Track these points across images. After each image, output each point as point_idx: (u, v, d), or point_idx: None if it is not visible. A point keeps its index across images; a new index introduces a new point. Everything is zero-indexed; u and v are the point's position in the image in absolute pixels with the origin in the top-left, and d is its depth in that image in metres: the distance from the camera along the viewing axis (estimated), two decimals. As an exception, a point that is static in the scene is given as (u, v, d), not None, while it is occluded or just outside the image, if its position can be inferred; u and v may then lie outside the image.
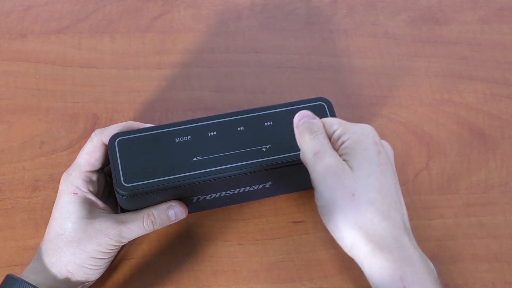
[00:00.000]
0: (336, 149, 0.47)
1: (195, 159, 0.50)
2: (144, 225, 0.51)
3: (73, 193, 0.51)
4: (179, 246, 0.58)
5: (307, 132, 0.47)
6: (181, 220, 0.53)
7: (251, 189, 0.55)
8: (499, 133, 0.64)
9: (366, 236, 0.43)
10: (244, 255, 0.57)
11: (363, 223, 0.43)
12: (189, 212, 0.54)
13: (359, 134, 0.46)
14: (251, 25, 0.70)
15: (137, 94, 0.65)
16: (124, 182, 0.49)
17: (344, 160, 0.45)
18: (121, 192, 0.49)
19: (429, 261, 0.44)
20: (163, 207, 0.52)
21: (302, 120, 0.48)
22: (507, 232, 0.59)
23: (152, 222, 0.51)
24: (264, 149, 0.51)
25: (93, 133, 0.52)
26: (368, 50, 0.69)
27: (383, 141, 0.48)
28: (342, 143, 0.46)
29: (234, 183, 0.53)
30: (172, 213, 0.52)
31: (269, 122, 0.52)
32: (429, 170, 0.62)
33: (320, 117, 0.50)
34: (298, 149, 0.51)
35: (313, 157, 0.45)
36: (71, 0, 0.71)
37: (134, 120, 0.62)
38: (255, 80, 0.67)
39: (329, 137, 0.48)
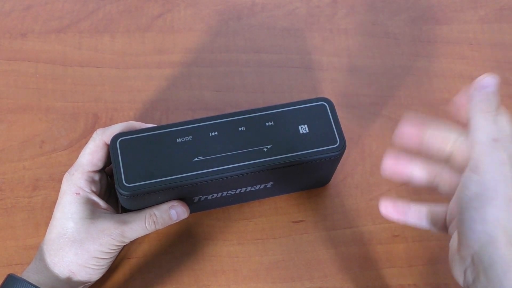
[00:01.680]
0: None
1: (196, 159, 0.50)
2: (146, 225, 0.51)
3: (76, 193, 0.51)
4: (179, 246, 0.58)
5: (490, 106, 0.42)
6: (181, 219, 0.54)
7: (252, 189, 0.55)
8: (499, 133, 0.64)
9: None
10: (244, 254, 0.58)
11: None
12: (191, 211, 0.54)
13: None
14: (251, 24, 0.70)
15: (137, 93, 0.65)
16: (126, 182, 0.49)
17: None
18: (122, 192, 0.49)
19: None
20: (164, 207, 0.52)
21: (488, 89, 0.43)
22: (507, 232, 0.59)
23: (154, 222, 0.51)
24: (265, 149, 0.51)
25: (95, 132, 0.52)
26: (368, 50, 0.69)
27: None
28: None
29: (235, 183, 0.53)
30: (173, 213, 0.52)
31: (271, 122, 0.52)
32: (429, 170, 0.62)
33: (322, 117, 0.49)
34: (298, 149, 0.51)
35: (490, 142, 0.41)
36: (71, -1, 0.71)
37: (135, 119, 0.63)
38: (255, 79, 0.67)
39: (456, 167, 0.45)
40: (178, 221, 0.53)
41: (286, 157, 0.51)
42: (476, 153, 0.42)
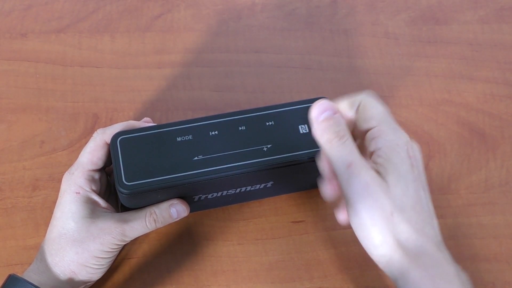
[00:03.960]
0: (367, 152, 0.44)
1: (196, 158, 0.50)
2: (147, 223, 0.51)
3: (76, 192, 0.51)
4: (179, 246, 0.58)
5: (334, 135, 0.43)
6: (181, 219, 0.53)
7: (252, 188, 0.55)
8: (499, 133, 0.64)
9: (402, 253, 0.42)
10: (244, 254, 0.58)
11: (400, 241, 0.42)
12: (191, 211, 0.54)
13: (393, 144, 0.43)
14: (251, 24, 0.70)
15: (137, 93, 0.66)
16: (126, 181, 0.49)
17: (377, 170, 0.43)
18: (122, 190, 0.49)
19: (463, 274, 0.43)
20: (165, 205, 0.52)
21: (324, 115, 0.44)
22: (507, 232, 0.59)
23: (155, 220, 0.51)
24: (265, 148, 0.51)
25: (95, 132, 0.53)
26: (368, 50, 0.69)
27: (413, 143, 0.44)
28: (376, 149, 0.43)
29: (235, 183, 0.53)
30: (174, 211, 0.52)
31: (271, 122, 0.52)
32: (429, 170, 0.62)
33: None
34: (298, 149, 0.51)
35: (346, 170, 0.42)
36: (71, -1, 0.71)
37: (135, 119, 0.62)
38: (255, 79, 0.67)
39: (361, 132, 0.45)
40: (178, 219, 0.53)
41: (286, 156, 0.51)
42: (340, 182, 0.43)
